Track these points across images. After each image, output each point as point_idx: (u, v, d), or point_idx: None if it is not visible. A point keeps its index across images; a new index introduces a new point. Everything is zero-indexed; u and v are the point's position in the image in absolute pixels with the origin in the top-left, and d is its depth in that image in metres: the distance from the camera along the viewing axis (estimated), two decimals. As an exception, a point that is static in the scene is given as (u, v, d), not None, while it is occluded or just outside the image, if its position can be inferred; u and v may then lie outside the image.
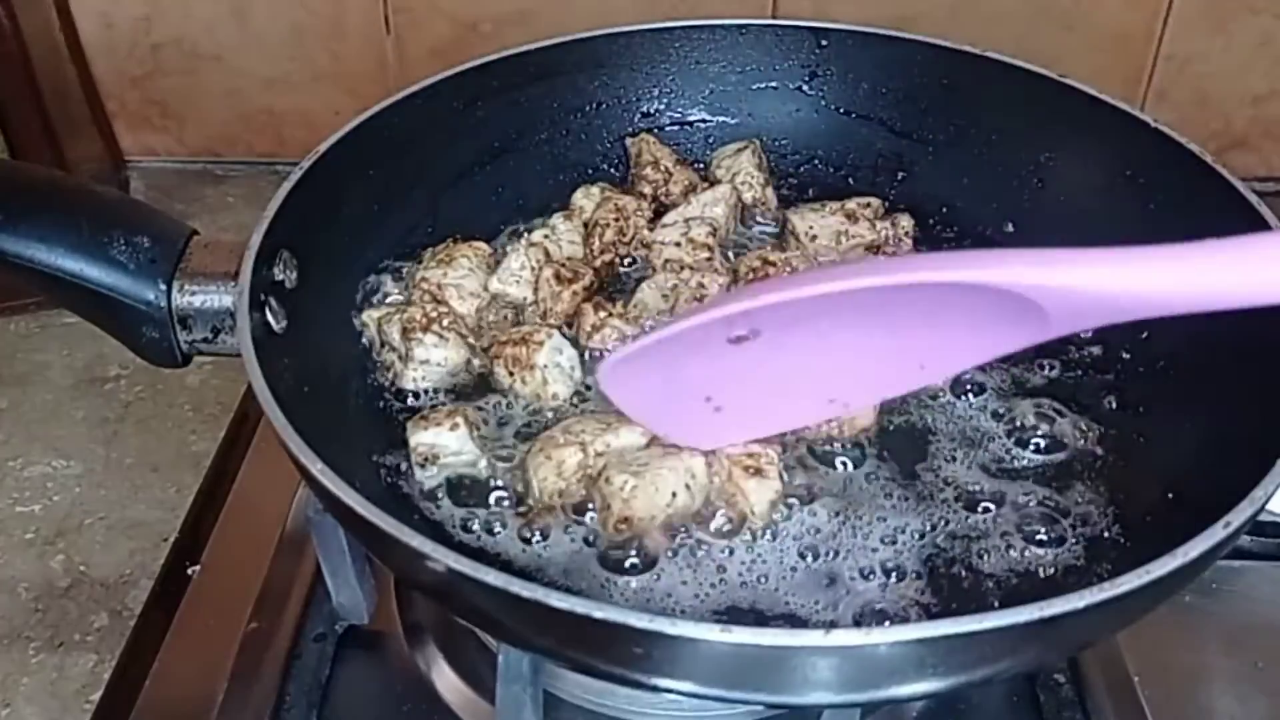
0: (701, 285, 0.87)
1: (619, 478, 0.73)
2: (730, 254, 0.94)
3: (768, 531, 0.75)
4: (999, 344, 0.70)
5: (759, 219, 0.99)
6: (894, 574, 0.73)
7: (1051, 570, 0.74)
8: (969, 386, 0.85)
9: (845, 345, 0.70)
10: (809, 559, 0.74)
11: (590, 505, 0.75)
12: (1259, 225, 0.79)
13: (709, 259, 0.90)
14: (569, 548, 0.74)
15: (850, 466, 0.79)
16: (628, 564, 0.73)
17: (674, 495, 0.74)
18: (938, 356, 0.73)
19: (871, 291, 0.65)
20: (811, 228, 0.94)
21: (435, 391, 0.84)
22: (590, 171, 1.03)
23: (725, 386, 0.74)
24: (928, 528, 0.76)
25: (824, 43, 1.02)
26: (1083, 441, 0.82)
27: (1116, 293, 0.61)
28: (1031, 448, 0.81)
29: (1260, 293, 0.59)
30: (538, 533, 0.75)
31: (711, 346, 0.70)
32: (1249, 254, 0.60)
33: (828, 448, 0.80)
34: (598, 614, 0.56)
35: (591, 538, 0.74)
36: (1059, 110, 0.93)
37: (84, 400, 1.24)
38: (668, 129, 1.05)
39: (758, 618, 0.71)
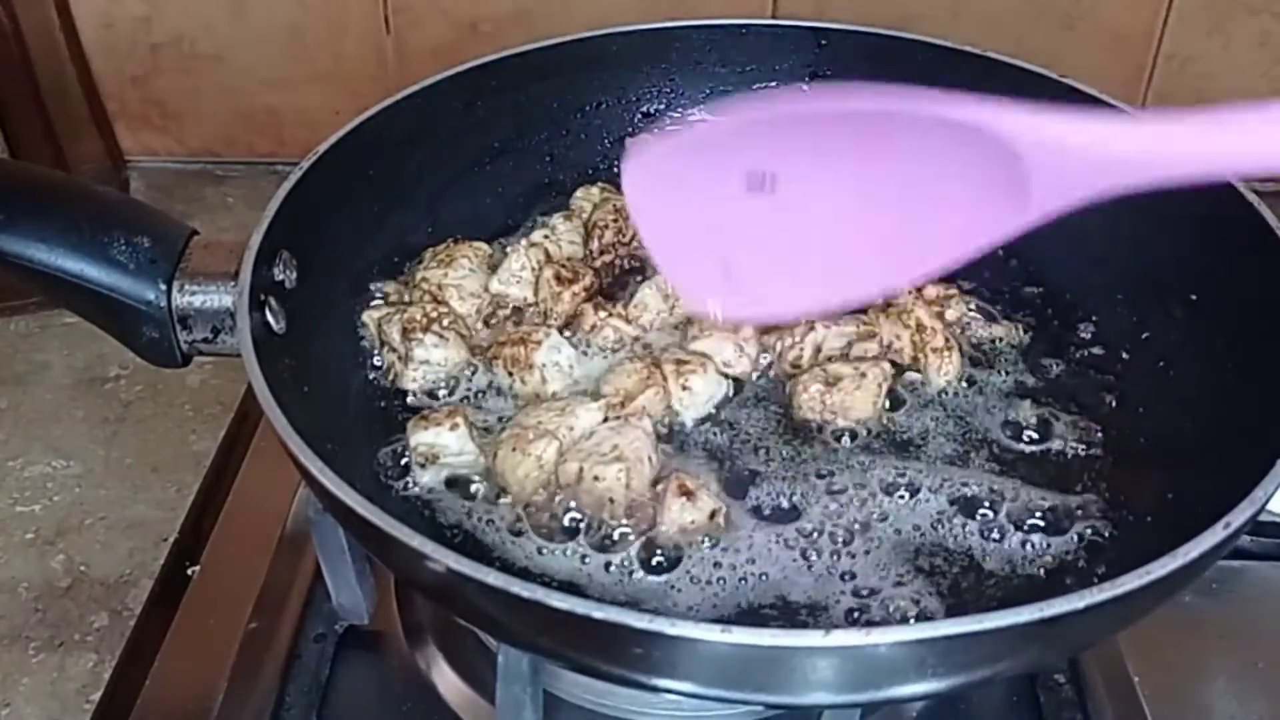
0: (701, 285, 0.88)
1: (609, 470, 0.74)
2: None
3: (766, 530, 0.75)
4: (993, 226, 0.68)
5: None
6: (894, 574, 0.73)
7: (1051, 570, 0.74)
8: (969, 385, 0.85)
9: (850, 211, 0.69)
10: (808, 557, 0.74)
11: (573, 504, 0.76)
12: (1259, 225, 0.79)
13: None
14: (567, 545, 0.74)
15: (850, 465, 0.79)
16: (624, 556, 0.73)
17: (650, 458, 0.76)
18: (933, 240, 0.71)
19: (873, 133, 0.66)
20: None
21: (435, 391, 0.84)
22: (590, 171, 1.03)
23: (736, 246, 0.72)
24: (927, 527, 0.76)
25: (824, 43, 1.02)
26: (1083, 441, 0.82)
27: (1104, 150, 0.61)
28: (1031, 447, 0.81)
29: (1256, 160, 0.59)
30: (535, 530, 0.75)
31: (730, 186, 0.69)
32: (1248, 121, 0.60)
33: (828, 447, 0.80)
34: (598, 614, 0.56)
35: (588, 532, 0.75)
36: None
37: (84, 400, 1.24)
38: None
39: (754, 616, 0.71)
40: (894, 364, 0.85)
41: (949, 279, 0.91)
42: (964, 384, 0.85)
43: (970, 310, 0.90)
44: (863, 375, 0.82)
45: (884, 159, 0.67)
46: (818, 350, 0.85)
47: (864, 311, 0.88)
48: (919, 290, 0.89)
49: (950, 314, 0.89)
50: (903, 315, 0.86)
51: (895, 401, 0.84)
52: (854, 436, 0.82)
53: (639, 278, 0.91)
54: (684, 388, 0.82)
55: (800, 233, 0.71)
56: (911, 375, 0.85)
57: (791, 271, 0.74)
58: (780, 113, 0.68)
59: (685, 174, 0.71)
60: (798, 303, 0.77)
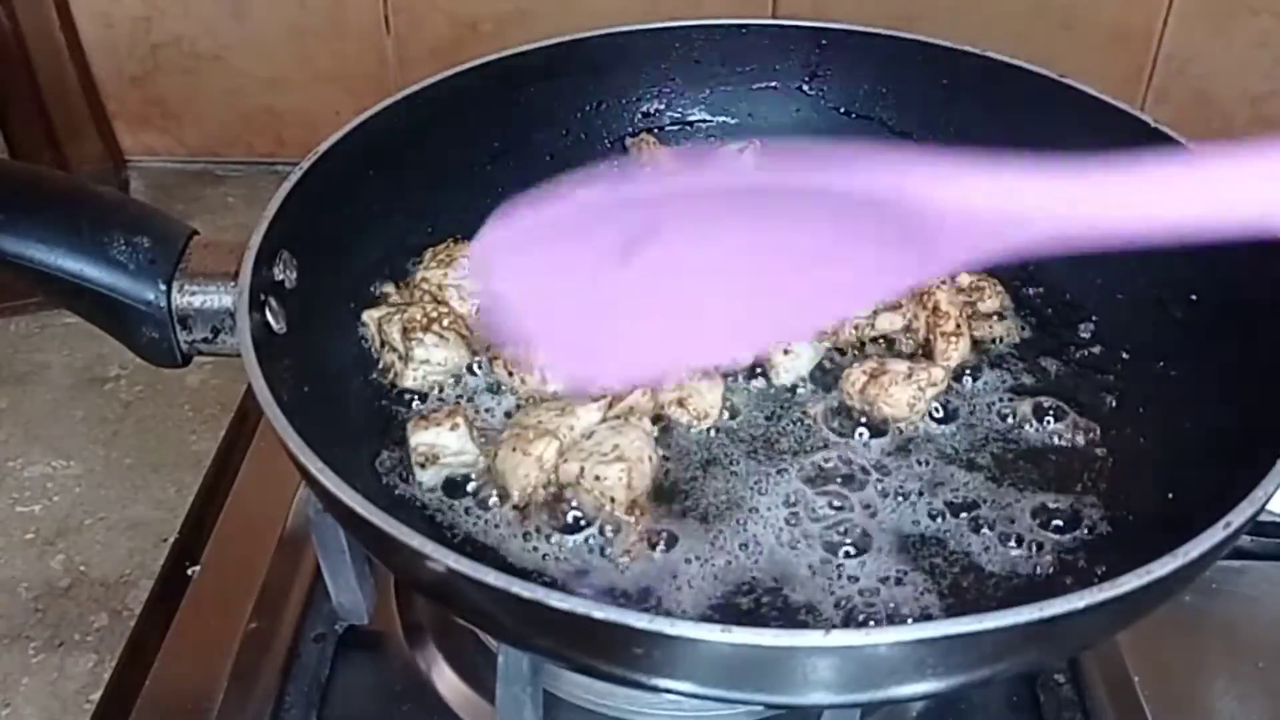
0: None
1: (610, 470, 0.74)
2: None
3: (763, 526, 0.75)
4: (894, 278, 0.66)
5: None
6: (894, 574, 0.73)
7: (1051, 570, 0.74)
8: (969, 384, 0.85)
9: (730, 273, 0.66)
10: (807, 556, 0.74)
11: (574, 504, 0.76)
12: (1259, 225, 0.78)
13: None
14: (567, 541, 0.74)
15: (851, 463, 0.79)
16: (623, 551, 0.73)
17: (650, 458, 0.76)
18: (826, 294, 0.67)
19: (763, 197, 0.63)
20: None
21: (435, 391, 0.84)
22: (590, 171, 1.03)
23: (601, 315, 0.69)
24: (927, 526, 0.76)
25: (824, 43, 1.02)
26: (1083, 441, 0.82)
27: (1012, 208, 0.59)
28: (1031, 447, 0.81)
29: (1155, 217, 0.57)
30: (533, 529, 0.75)
31: (600, 254, 0.65)
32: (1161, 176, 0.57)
33: (833, 443, 0.80)
34: (598, 614, 0.56)
35: (586, 527, 0.75)
36: (1059, 110, 0.93)
37: (84, 400, 1.24)
38: (668, 129, 1.05)
39: (755, 615, 0.71)
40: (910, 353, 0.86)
41: (987, 271, 0.91)
42: (964, 383, 0.85)
43: (1007, 304, 0.91)
44: (909, 375, 0.82)
45: (767, 224, 0.64)
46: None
47: None
48: (951, 275, 0.90)
49: (985, 305, 0.90)
50: (924, 296, 0.87)
51: (949, 413, 0.83)
52: (876, 433, 0.82)
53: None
54: (785, 352, 0.84)
55: (675, 297, 0.67)
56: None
57: (666, 335, 0.70)
58: (644, 191, 0.66)
59: (544, 250, 0.67)
60: (676, 363, 0.74)
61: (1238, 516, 0.62)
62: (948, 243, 0.60)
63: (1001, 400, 0.84)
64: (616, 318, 0.69)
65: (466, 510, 0.77)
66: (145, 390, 1.24)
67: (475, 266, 0.70)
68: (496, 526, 0.76)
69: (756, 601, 0.72)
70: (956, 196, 0.59)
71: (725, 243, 0.65)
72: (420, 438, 0.78)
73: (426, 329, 0.84)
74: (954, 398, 0.84)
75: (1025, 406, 0.84)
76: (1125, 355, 0.87)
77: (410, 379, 0.84)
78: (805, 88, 1.04)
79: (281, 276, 0.79)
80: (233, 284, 0.76)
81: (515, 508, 0.76)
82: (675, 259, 0.66)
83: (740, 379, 0.85)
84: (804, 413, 0.83)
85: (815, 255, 0.65)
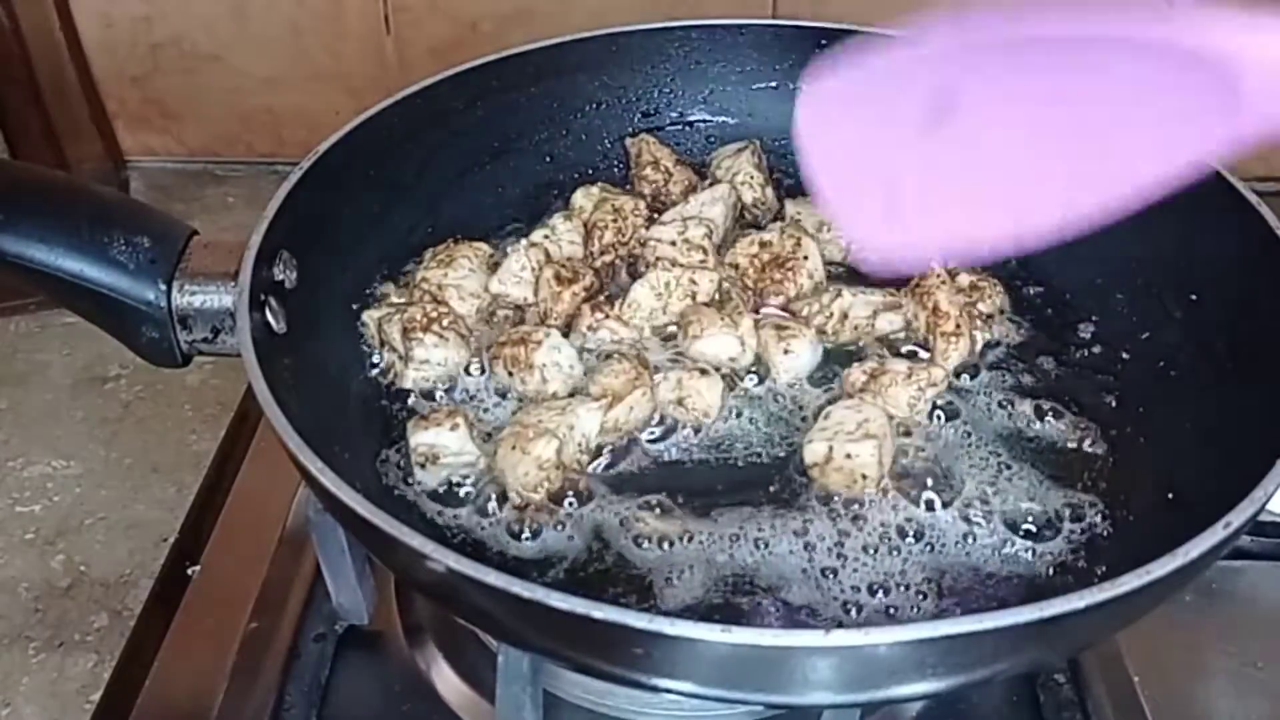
0: (694, 282, 0.88)
1: (862, 447, 0.76)
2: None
3: (763, 527, 0.75)
4: (1194, 144, 0.63)
5: (759, 219, 0.99)
6: (894, 573, 0.73)
7: (1051, 570, 0.74)
8: (968, 383, 0.85)
9: (1034, 144, 0.65)
10: (807, 556, 0.74)
11: (569, 493, 0.77)
12: (1259, 225, 0.79)
13: (703, 260, 0.90)
14: (566, 540, 0.74)
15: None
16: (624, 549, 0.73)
17: (889, 434, 0.79)
18: (1128, 160, 0.65)
19: (1060, 54, 0.61)
20: (800, 213, 0.95)
21: (435, 391, 0.84)
22: (590, 171, 1.03)
23: (909, 178, 0.68)
24: (926, 526, 0.76)
25: (824, 43, 1.02)
26: (1083, 441, 0.82)
27: None
28: (1031, 447, 0.81)
29: None
30: (532, 529, 0.75)
31: (907, 117, 0.65)
32: None
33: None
34: (597, 614, 0.56)
35: (585, 524, 0.75)
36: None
37: (84, 400, 1.24)
38: (668, 129, 1.05)
39: (755, 615, 0.71)
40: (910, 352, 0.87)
41: (990, 270, 0.92)
42: (964, 383, 0.85)
43: (1006, 304, 0.91)
44: (909, 375, 0.82)
45: (1075, 80, 0.62)
46: (844, 316, 0.87)
47: (896, 288, 0.88)
48: (952, 275, 0.89)
49: (984, 306, 0.90)
50: (924, 296, 0.87)
51: (949, 413, 0.83)
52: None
53: (639, 277, 0.91)
54: (785, 352, 0.84)
55: (977, 167, 0.67)
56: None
57: (966, 206, 0.69)
58: (967, 40, 0.64)
59: (860, 107, 0.67)
60: (976, 230, 0.71)
61: (1238, 516, 0.62)
62: (1257, 101, 0.57)
63: (1001, 400, 0.84)
64: (924, 191, 0.68)
65: (467, 510, 0.77)
66: (145, 390, 1.25)
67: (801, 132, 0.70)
68: (496, 526, 0.76)
69: (757, 602, 0.72)
70: (1266, 50, 0.56)
71: (1029, 103, 0.64)
72: (420, 438, 0.78)
73: (426, 329, 0.84)
74: (954, 398, 0.84)
75: (1025, 406, 0.84)
76: (1125, 355, 0.87)
77: (410, 379, 0.84)
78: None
79: (281, 276, 0.79)
80: (233, 284, 0.76)
81: (515, 507, 0.76)
82: (980, 126, 0.65)
83: (740, 379, 0.85)
84: (804, 412, 0.83)
85: (1119, 116, 0.63)
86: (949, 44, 0.64)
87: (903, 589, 0.72)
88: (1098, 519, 0.77)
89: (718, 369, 0.83)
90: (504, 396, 0.84)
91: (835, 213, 0.74)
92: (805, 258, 0.90)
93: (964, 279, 0.91)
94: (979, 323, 0.88)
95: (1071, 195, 0.67)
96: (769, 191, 1.00)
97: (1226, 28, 0.57)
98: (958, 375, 0.85)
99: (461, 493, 0.78)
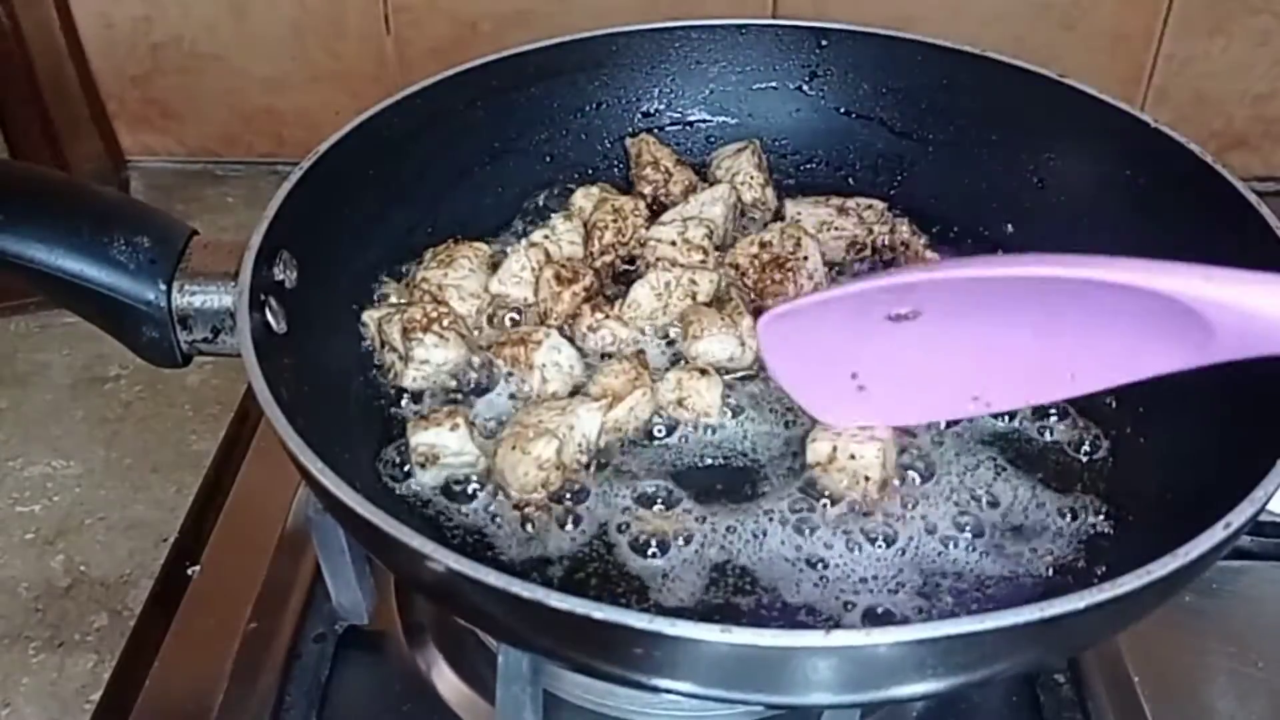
0: (694, 282, 0.88)
1: (867, 449, 0.76)
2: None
3: (763, 527, 0.75)
4: (1157, 362, 0.69)
5: (759, 219, 0.99)
6: (894, 573, 0.73)
7: (1051, 570, 0.74)
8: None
9: (1000, 340, 0.70)
10: (807, 556, 0.74)
11: (568, 493, 0.77)
12: (1259, 225, 0.78)
13: (703, 261, 0.90)
14: (566, 540, 0.74)
15: (850, 466, 0.79)
16: (629, 548, 0.73)
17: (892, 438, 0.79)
18: (1091, 367, 0.72)
19: (1037, 283, 0.65)
20: (800, 213, 0.95)
21: (435, 391, 0.84)
22: (590, 171, 1.03)
23: (874, 366, 0.74)
24: (927, 526, 0.76)
25: (824, 43, 1.02)
26: (1083, 442, 0.82)
27: None
28: (1031, 447, 0.81)
29: None
30: (532, 528, 0.75)
31: (870, 319, 0.70)
32: None
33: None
34: (597, 614, 0.56)
35: (585, 524, 0.75)
36: (1059, 110, 0.93)
37: (84, 400, 1.24)
38: (668, 129, 1.05)
39: (755, 615, 0.71)
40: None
41: None
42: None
43: None
44: None
45: (1044, 312, 0.67)
46: None
47: None
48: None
49: None
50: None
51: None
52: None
53: (639, 277, 0.91)
54: None
55: (944, 357, 0.72)
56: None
57: (934, 384, 0.75)
58: (929, 278, 0.69)
59: (820, 325, 0.73)
60: (938, 411, 0.79)
61: (1238, 516, 0.62)
62: (1222, 338, 0.62)
63: (1001, 400, 0.84)
64: (880, 368, 0.74)
65: (467, 510, 0.77)
66: (145, 390, 1.24)
67: (760, 337, 0.77)
68: (497, 526, 0.76)
69: (757, 602, 0.72)
70: (1234, 299, 0.61)
71: (984, 321, 0.69)
72: (420, 438, 0.78)
73: (426, 329, 0.84)
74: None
75: (1025, 406, 0.84)
76: (1125, 355, 0.87)
77: (410, 379, 0.84)
78: (805, 88, 1.04)
79: (281, 276, 0.79)
80: (233, 284, 0.76)
81: (515, 507, 0.76)
82: (934, 332, 0.70)
83: (740, 380, 0.85)
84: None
85: (1083, 338, 0.69)
86: (914, 286, 0.69)
87: (903, 589, 0.72)
88: (1098, 519, 0.77)
89: (718, 369, 0.84)
90: (504, 396, 0.84)
91: (804, 405, 0.79)
92: (805, 258, 0.90)
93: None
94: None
95: (1027, 389, 0.74)
96: (769, 191, 1.00)
97: (1188, 275, 0.62)
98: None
99: (461, 493, 0.78)
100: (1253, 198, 0.80)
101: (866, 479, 0.76)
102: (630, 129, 1.04)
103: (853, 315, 0.71)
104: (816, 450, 0.78)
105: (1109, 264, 0.64)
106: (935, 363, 0.73)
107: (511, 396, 0.84)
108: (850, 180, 1.03)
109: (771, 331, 0.75)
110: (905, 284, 0.69)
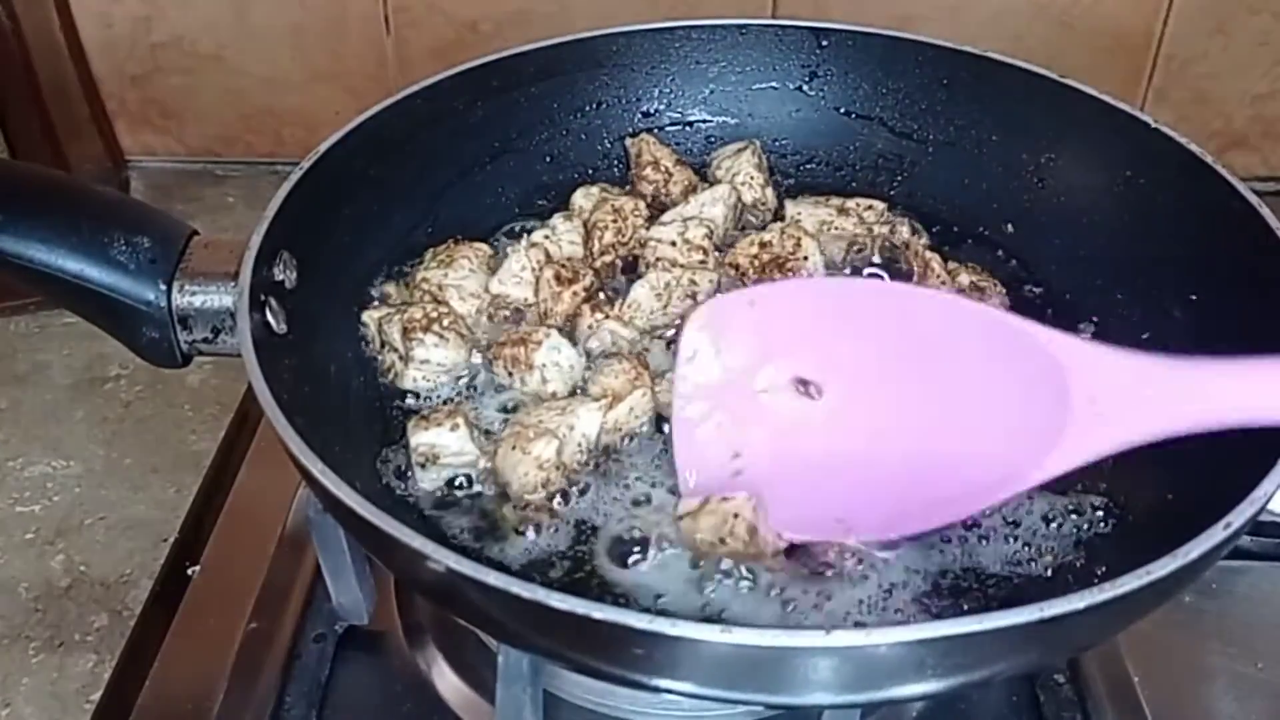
0: (694, 283, 0.88)
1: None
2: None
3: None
4: (1043, 467, 0.70)
5: (758, 219, 0.99)
6: (893, 573, 0.73)
7: (1051, 570, 0.74)
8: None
9: (888, 451, 0.72)
10: (806, 556, 0.74)
11: (569, 493, 0.77)
12: (1259, 225, 0.79)
13: (703, 261, 0.90)
14: (567, 540, 0.74)
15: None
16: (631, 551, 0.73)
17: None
18: (970, 488, 0.71)
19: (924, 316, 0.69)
20: (800, 213, 0.95)
21: (435, 391, 0.84)
22: (590, 171, 1.03)
23: (757, 451, 0.74)
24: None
25: (824, 43, 1.02)
26: (1083, 441, 0.82)
27: (1154, 391, 0.64)
28: (1031, 448, 0.81)
29: None
30: (532, 529, 0.75)
31: (779, 372, 0.71)
32: None
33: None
34: (597, 614, 0.56)
35: (586, 526, 0.75)
36: (1059, 110, 0.93)
37: (84, 400, 1.24)
38: (668, 129, 1.05)
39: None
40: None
41: (990, 270, 0.93)
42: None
43: (1006, 305, 0.91)
44: None
45: (931, 366, 0.69)
46: None
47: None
48: (952, 275, 0.90)
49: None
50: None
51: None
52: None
53: (639, 277, 0.91)
54: None
55: (828, 457, 0.73)
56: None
57: (808, 492, 0.74)
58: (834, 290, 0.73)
59: (742, 333, 0.74)
60: (802, 526, 0.74)
61: (1238, 517, 0.62)
62: (1082, 421, 0.66)
63: (1001, 400, 0.84)
64: (752, 461, 0.75)
65: (467, 511, 0.77)
66: (145, 390, 1.24)
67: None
68: (497, 526, 0.76)
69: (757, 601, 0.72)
70: (1102, 364, 0.65)
71: (888, 388, 0.72)
72: (420, 438, 0.78)
73: (426, 329, 0.84)
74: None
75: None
76: (1125, 355, 0.87)
77: (410, 379, 0.84)
78: (805, 88, 1.04)
79: (281, 276, 0.79)
80: (233, 284, 0.76)
81: (515, 507, 0.76)
82: (826, 429, 0.72)
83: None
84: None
85: (970, 422, 0.71)
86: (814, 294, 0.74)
87: (902, 588, 0.72)
88: (1098, 519, 0.77)
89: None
90: (504, 396, 0.84)
91: (679, 467, 0.77)
92: (805, 258, 0.90)
93: (964, 279, 0.91)
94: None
95: (907, 505, 0.74)
96: (769, 191, 1.00)
97: (1066, 342, 0.66)
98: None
99: (462, 493, 0.78)
100: (1253, 198, 0.80)
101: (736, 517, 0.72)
102: (630, 129, 1.04)
103: (768, 352, 0.72)
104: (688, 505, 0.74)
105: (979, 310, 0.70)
106: (816, 463, 0.73)
107: (511, 396, 0.84)
108: (850, 180, 1.03)
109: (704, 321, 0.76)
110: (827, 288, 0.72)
